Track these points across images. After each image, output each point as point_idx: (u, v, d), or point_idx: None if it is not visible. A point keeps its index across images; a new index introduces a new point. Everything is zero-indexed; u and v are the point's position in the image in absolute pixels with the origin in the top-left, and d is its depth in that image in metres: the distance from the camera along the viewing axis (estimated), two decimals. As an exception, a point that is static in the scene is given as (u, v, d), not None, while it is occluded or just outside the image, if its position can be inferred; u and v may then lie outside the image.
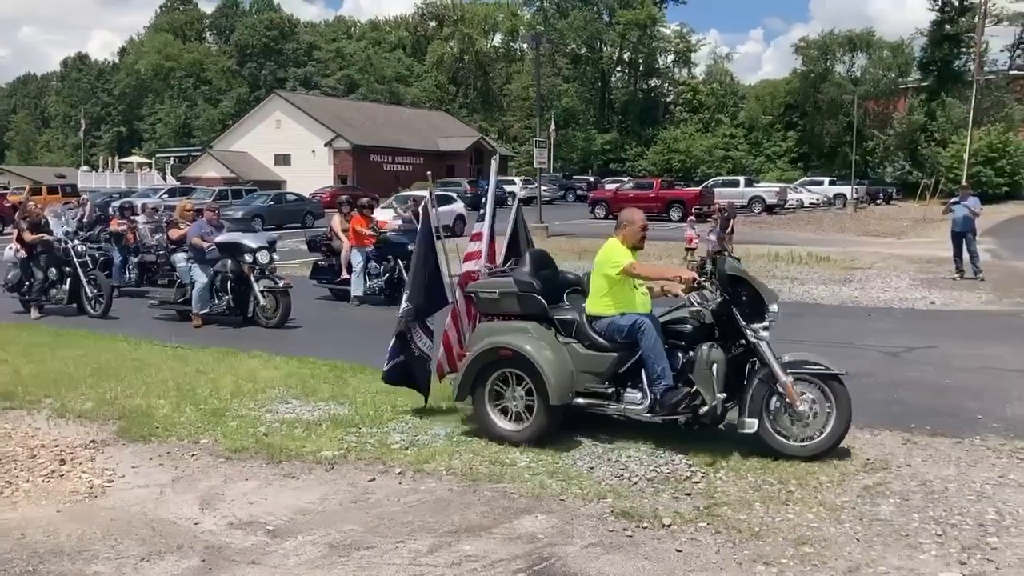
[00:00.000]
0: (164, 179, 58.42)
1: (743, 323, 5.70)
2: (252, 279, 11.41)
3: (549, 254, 6.79)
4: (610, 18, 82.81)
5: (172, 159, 68.01)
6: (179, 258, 12.18)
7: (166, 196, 36.37)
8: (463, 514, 4.86)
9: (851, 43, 73.23)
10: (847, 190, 50.39)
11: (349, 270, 13.57)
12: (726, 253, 19.69)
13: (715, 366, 5.65)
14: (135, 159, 69.79)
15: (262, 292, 11.43)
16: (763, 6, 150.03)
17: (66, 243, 12.65)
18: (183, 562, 4.28)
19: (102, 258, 14.47)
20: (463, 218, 30.03)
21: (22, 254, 12.89)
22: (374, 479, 5.43)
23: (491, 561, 4.27)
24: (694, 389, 5.71)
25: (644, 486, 5.24)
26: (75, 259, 12.51)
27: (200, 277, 11.56)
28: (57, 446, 6.05)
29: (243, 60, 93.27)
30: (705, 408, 5.66)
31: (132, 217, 15.49)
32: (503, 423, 6.14)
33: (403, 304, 6.75)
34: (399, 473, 5.52)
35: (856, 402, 6.84)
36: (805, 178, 58.90)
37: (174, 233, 12.63)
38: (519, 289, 6.23)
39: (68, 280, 12.56)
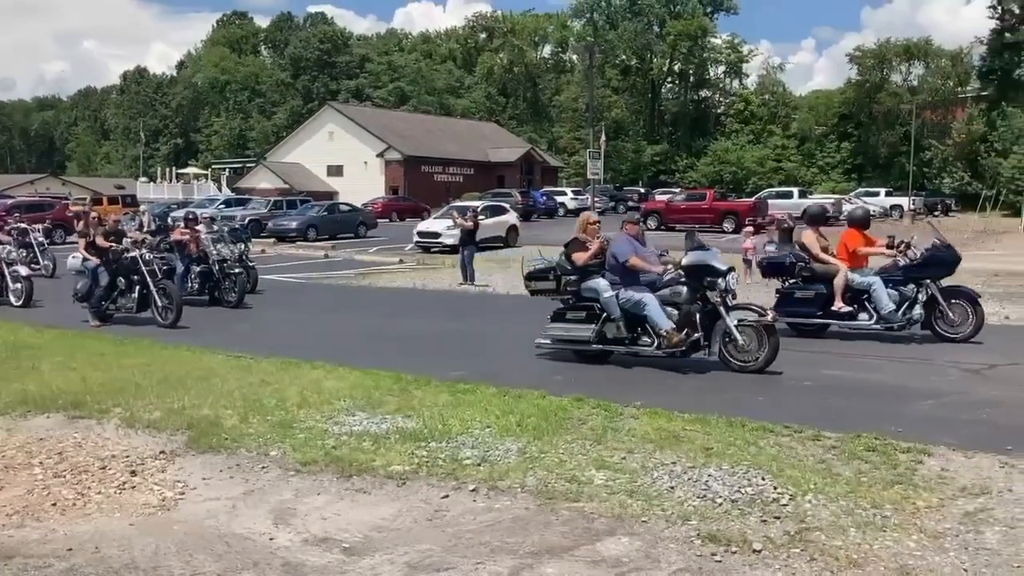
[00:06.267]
0: (220, 190, 59.36)
1: None
2: (723, 311, 8.91)
3: None
4: (660, 29, 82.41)
5: (227, 170, 69.17)
6: (599, 287, 9.40)
7: (222, 207, 36.84)
8: (542, 535, 4.70)
9: (908, 52, 71.76)
10: (904, 201, 49.46)
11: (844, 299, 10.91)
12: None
13: None
14: (191, 170, 71.09)
15: (739, 326, 8.87)
16: (814, 16, 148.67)
17: (134, 252, 12.63)
18: (260, 580, 4.17)
19: (164, 267, 14.59)
20: (516, 228, 30.00)
21: (91, 262, 12.96)
22: (447, 496, 5.29)
23: (576, 586, 4.09)
24: None
25: (729, 508, 5.02)
26: (143, 268, 12.45)
27: (654, 309, 9.04)
28: (128, 456, 6.02)
29: (297, 73, 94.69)
30: None
31: (195, 227, 15.55)
32: None
33: None
34: (472, 490, 5.37)
35: (942, 422, 6.60)
36: (860, 189, 57.77)
37: (580, 257, 9.57)
38: None
39: (137, 289, 12.57)
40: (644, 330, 9.21)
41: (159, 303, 12.47)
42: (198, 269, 14.64)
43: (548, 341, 9.80)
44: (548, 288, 10.00)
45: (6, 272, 14.65)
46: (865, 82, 71.69)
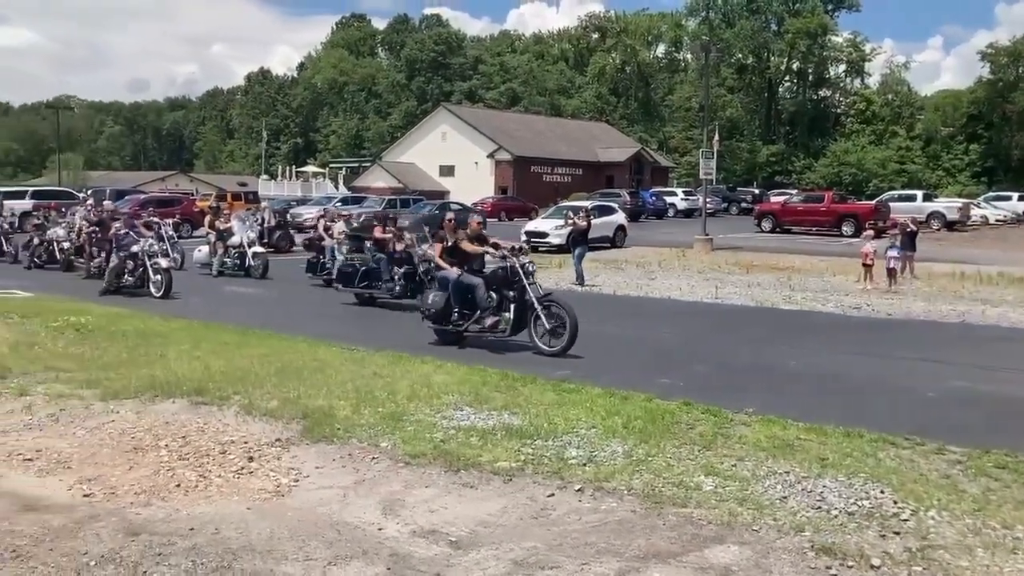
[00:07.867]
0: (337, 188, 60.95)
1: None
2: None
3: None
4: (779, 27, 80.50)
5: (344, 169, 71.01)
6: None
7: (340, 204, 37.82)
8: (648, 538, 4.63)
9: (1047, 49, 67.90)
10: (1039, 207, 46.66)
11: None
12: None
13: None
14: (310, 168, 73.20)
15: None
16: (942, 14, 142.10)
17: (512, 259, 10.18)
18: (369, 569, 4.25)
19: (362, 268, 14.25)
20: (624, 228, 29.75)
21: (450, 273, 10.59)
22: (553, 494, 5.28)
23: (683, 592, 4.02)
24: None
25: (845, 521, 4.83)
26: (524, 280, 10.00)
27: None
28: (246, 443, 6.25)
29: (412, 74, 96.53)
30: None
31: (397, 227, 14.77)
32: None
33: None
34: (578, 490, 5.34)
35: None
36: (990, 193, 54.85)
37: None
38: None
39: (513, 307, 10.03)
40: None
41: (546, 325, 9.87)
42: (400, 271, 13.70)
43: None
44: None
45: (148, 264, 15.22)
46: (998, 81, 68.30)
